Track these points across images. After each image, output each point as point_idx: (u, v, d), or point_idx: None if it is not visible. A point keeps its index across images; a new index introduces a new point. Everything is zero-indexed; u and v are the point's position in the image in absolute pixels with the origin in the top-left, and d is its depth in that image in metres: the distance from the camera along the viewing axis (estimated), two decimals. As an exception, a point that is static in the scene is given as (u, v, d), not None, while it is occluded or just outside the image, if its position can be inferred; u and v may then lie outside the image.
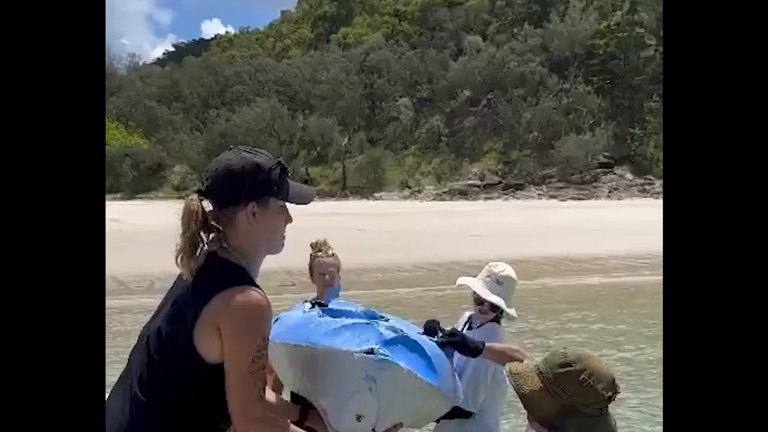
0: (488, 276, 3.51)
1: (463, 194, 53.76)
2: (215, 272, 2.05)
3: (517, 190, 53.78)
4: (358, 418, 2.29)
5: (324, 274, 3.93)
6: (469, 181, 55.69)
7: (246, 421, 2.01)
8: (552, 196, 51.20)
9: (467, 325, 3.64)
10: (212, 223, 2.11)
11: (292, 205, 2.20)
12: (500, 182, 55.31)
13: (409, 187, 57.35)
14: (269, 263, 2.23)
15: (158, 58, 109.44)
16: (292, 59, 79.37)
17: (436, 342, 2.51)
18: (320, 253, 3.98)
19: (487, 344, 2.66)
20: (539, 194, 52.45)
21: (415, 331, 3.11)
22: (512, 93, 60.25)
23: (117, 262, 14.59)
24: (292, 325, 2.49)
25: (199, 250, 2.08)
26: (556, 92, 59.71)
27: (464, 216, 32.62)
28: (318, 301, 3.18)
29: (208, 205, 2.10)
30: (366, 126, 66.04)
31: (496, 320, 3.57)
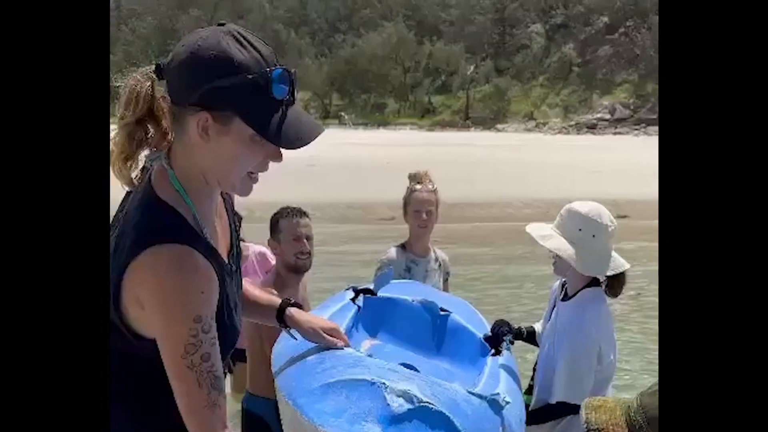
0: (560, 218, 2.62)
1: (591, 128, 51.51)
2: (143, 217, 1.46)
3: (648, 125, 50.85)
4: None
5: (420, 211, 3.42)
6: (598, 115, 53.16)
7: None
8: (687, 133, 48.27)
9: (563, 294, 2.73)
10: (162, 119, 1.50)
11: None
12: (631, 116, 52.47)
13: (534, 119, 55.48)
14: (366, 195, 1.57)
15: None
16: (423, -18, 77.81)
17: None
18: (418, 186, 3.45)
19: None
20: (673, 130, 49.58)
21: (475, 326, 2.62)
22: (653, 20, 56.66)
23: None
24: (288, 351, 1.91)
25: (139, 151, 1.50)
26: (702, 20, 55.75)
27: (589, 151, 31.15)
28: (365, 288, 2.51)
29: (165, 93, 1.49)
30: (494, 54, 64.10)
31: (599, 283, 2.61)
